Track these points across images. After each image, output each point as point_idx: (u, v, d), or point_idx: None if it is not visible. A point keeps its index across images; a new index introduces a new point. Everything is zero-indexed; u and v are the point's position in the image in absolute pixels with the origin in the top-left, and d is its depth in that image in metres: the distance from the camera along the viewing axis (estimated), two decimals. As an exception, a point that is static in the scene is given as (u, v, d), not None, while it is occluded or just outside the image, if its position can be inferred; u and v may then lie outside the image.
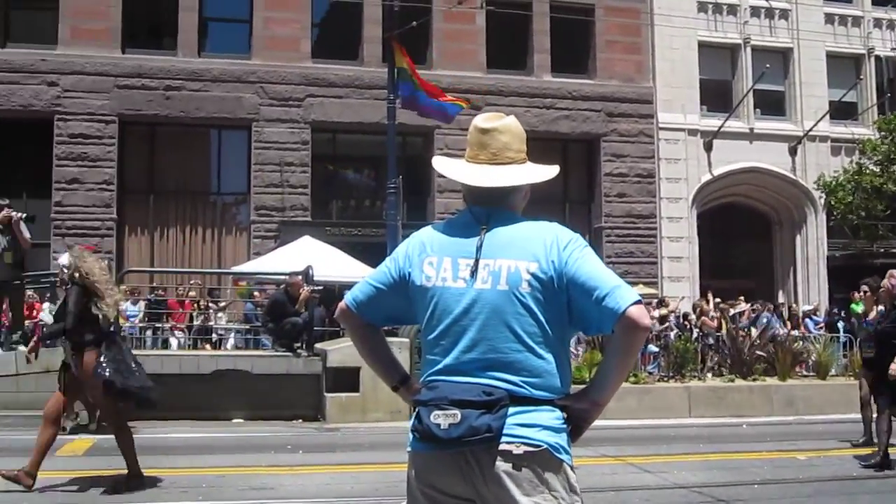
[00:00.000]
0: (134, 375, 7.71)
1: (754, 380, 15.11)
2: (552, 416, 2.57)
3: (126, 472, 7.65)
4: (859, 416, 10.62)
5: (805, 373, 16.52)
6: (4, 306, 14.00)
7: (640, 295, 2.74)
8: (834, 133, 28.14)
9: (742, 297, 22.45)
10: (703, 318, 19.84)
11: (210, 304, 18.89)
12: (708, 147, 27.14)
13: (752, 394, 14.73)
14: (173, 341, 17.33)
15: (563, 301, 2.60)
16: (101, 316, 7.58)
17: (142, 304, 18.28)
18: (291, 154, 24.27)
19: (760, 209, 29.09)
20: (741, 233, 28.44)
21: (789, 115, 28.39)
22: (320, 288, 15.88)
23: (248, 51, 24.67)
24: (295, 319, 14.06)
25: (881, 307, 9.68)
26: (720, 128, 26.54)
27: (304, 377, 13.67)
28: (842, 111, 27.79)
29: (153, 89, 23.62)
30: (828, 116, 27.29)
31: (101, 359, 7.51)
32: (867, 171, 25.74)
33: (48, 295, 17.53)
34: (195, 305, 18.66)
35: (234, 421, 13.17)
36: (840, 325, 21.63)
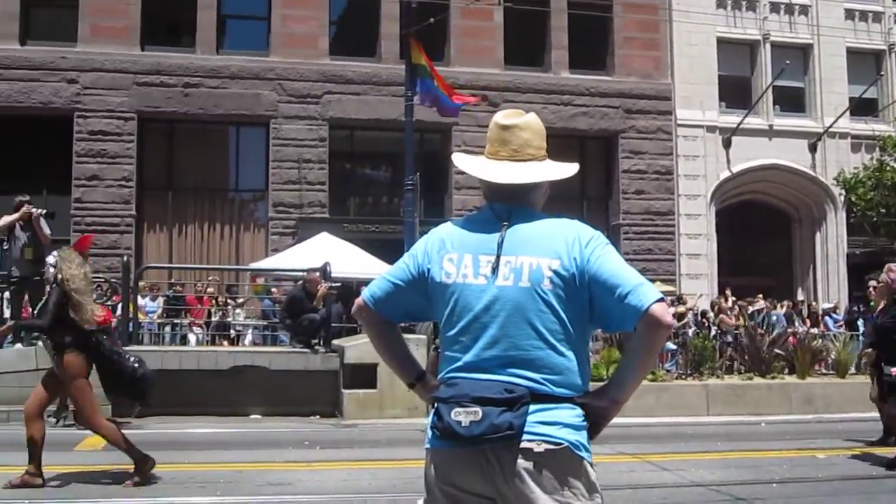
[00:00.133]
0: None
1: (773, 378, 15.03)
2: (573, 414, 2.57)
3: (133, 466, 7.69)
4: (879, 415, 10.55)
5: (824, 371, 16.43)
6: (25, 302, 14.09)
7: (658, 292, 2.73)
8: (854, 129, 27.92)
9: (761, 295, 22.34)
10: (721, 315, 19.77)
11: (228, 301, 18.96)
12: (727, 144, 27.01)
13: (771, 392, 14.66)
14: (192, 337, 17.41)
15: (584, 298, 2.60)
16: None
17: (160, 300, 18.36)
18: (309, 151, 24.32)
19: (780, 206, 28.93)
20: (760, 230, 28.28)
21: (809, 112, 28.20)
22: (338, 284, 15.91)
23: (267, 48, 24.74)
24: (312, 316, 14.10)
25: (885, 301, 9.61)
26: (739, 124, 26.40)
27: (322, 373, 13.71)
28: (862, 107, 27.56)
29: (172, 86, 23.72)
30: (848, 113, 27.10)
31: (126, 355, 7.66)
32: (888, 168, 25.52)
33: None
34: (213, 302, 18.73)
35: (252, 417, 13.23)
36: (860, 322, 21.49)
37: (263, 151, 24.58)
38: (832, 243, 27.83)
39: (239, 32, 25.44)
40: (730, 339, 17.28)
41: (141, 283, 17.07)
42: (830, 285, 27.50)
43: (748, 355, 15.70)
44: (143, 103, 23.61)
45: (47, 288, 7.82)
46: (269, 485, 7.78)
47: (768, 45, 27.79)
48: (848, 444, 10.53)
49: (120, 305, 14.81)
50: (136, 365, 7.92)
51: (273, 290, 19.77)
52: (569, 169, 2.84)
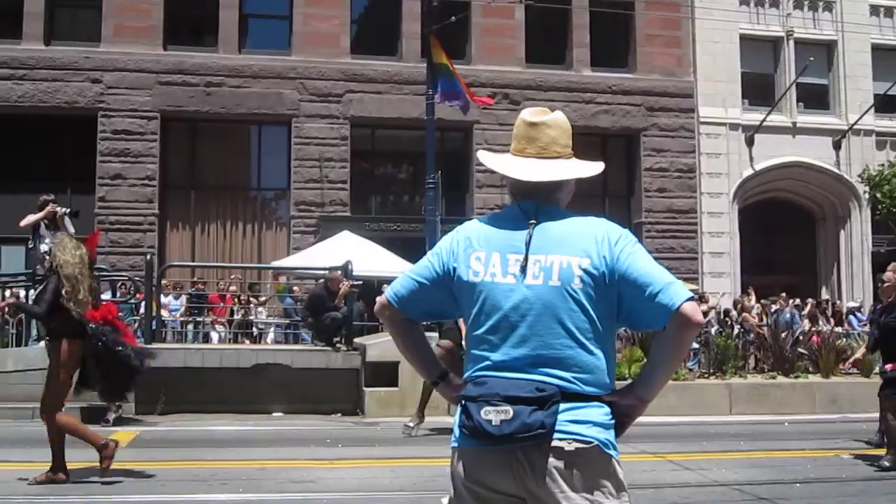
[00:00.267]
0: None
1: (796, 377, 14.91)
2: (601, 412, 2.57)
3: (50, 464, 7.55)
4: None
5: (849, 370, 16.28)
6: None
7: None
8: (879, 126, 27.69)
9: (784, 294, 22.19)
10: (744, 314, 19.65)
11: (250, 299, 19.04)
12: (750, 141, 26.84)
13: (795, 391, 14.54)
14: (214, 335, 17.49)
15: (613, 297, 2.60)
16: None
17: (183, 298, 18.46)
18: (331, 149, 24.38)
19: (803, 204, 28.71)
20: (783, 228, 28.08)
21: (833, 109, 27.97)
22: (359, 283, 15.93)
23: (288, 47, 24.81)
24: (334, 314, 14.12)
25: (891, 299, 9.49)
26: (762, 122, 26.22)
27: (343, 371, 13.74)
28: (887, 104, 27.26)
29: (194, 86, 23.85)
30: (872, 110, 26.86)
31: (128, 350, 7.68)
32: (912, 165, 25.32)
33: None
34: (236, 300, 18.81)
35: (274, 415, 13.27)
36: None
37: (285, 150, 24.66)
38: (856, 241, 27.60)
39: (261, 32, 25.54)
40: (752, 337, 17.16)
41: (164, 282, 17.16)
42: (855, 284, 27.27)
43: (771, 354, 15.58)
44: (165, 103, 23.75)
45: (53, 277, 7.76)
46: (291, 482, 7.81)
47: (792, 42, 27.58)
48: (873, 444, 10.43)
49: (143, 303, 14.91)
50: (140, 361, 7.94)
51: (295, 288, 19.83)
52: (595, 167, 2.84)
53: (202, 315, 17.95)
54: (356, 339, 14.43)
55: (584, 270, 2.57)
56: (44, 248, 7.78)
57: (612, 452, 2.56)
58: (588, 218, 2.70)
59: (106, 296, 16.88)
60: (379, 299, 2.88)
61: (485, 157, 2.91)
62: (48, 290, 7.56)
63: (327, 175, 24.30)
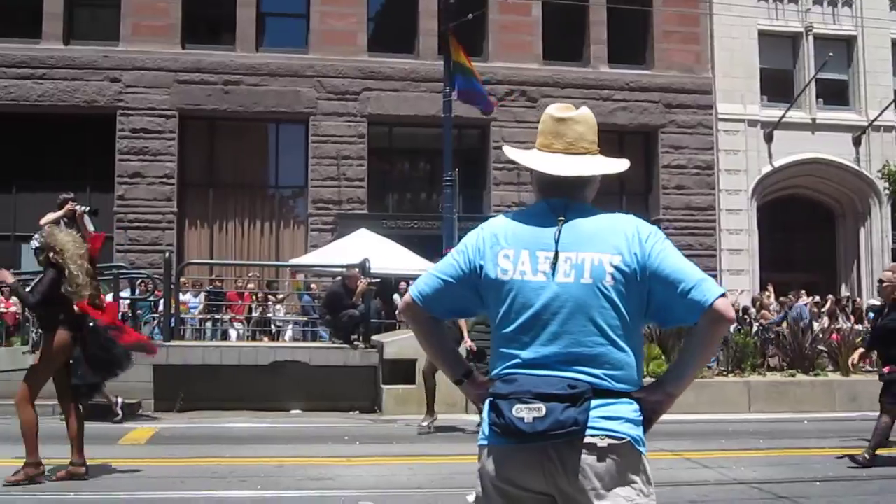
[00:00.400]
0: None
1: (816, 375, 14.83)
2: (631, 409, 2.57)
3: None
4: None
5: (869, 368, 16.15)
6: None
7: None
8: (899, 122, 27.49)
9: (804, 291, 22.06)
10: (763, 311, 19.56)
11: (268, 297, 19.11)
12: (768, 138, 26.68)
13: (814, 389, 14.46)
14: (232, 333, 17.57)
15: (643, 293, 2.60)
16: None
17: (202, 295, 18.55)
18: (348, 147, 24.42)
19: (823, 201, 28.53)
20: (803, 225, 27.93)
21: (853, 105, 27.77)
22: (377, 280, 15.97)
23: (306, 45, 24.86)
24: (352, 312, 14.16)
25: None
26: (781, 118, 26.05)
27: (361, 369, 13.78)
28: (908, 100, 27.10)
29: (212, 84, 23.93)
30: (893, 105, 26.61)
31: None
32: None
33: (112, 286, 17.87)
34: (254, 297, 18.88)
35: (292, 412, 13.32)
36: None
37: (303, 148, 24.72)
38: (877, 238, 27.40)
39: (278, 30, 25.60)
40: (772, 335, 17.06)
41: (182, 279, 17.25)
42: (875, 281, 27.03)
43: (790, 352, 15.50)
44: (184, 101, 23.85)
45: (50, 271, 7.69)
46: (309, 479, 7.84)
47: (811, 38, 27.39)
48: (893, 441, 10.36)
49: (162, 301, 14.99)
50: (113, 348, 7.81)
51: (312, 286, 19.89)
52: (621, 164, 2.85)
53: (220, 313, 18.03)
54: (374, 337, 14.47)
55: (616, 267, 2.57)
56: (34, 243, 7.71)
57: (641, 449, 2.57)
58: (617, 215, 2.70)
59: (125, 293, 17.01)
60: (404, 298, 2.87)
61: (511, 152, 2.91)
62: (44, 283, 7.54)
63: (345, 173, 24.34)
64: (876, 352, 10.00)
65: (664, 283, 2.57)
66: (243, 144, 25.04)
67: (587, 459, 2.47)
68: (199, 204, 24.52)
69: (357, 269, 14.73)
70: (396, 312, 18.52)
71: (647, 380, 2.70)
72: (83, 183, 21.77)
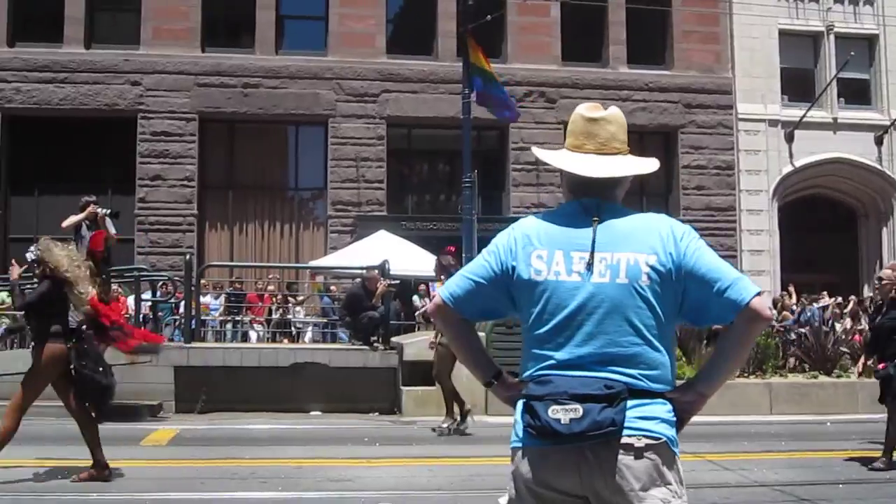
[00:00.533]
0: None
1: (838, 376, 14.71)
2: (665, 409, 2.57)
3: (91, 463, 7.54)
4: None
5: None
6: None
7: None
8: (922, 121, 27.24)
9: (825, 292, 21.90)
10: (784, 312, 19.42)
11: (288, 298, 19.16)
12: (789, 138, 26.50)
13: (837, 391, 14.34)
14: (252, 334, 17.63)
15: (678, 293, 2.60)
16: (71, 309, 7.47)
17: (222, 297, 18.63)
18: (367, 149, 24.46)
19: (845, 201, 28.32)
20: (824, 225, 27.73)
21: (875, 104, 27.54)
22: (396, 282, 15.99)
23: (325, 47, 24.93)
24: (372, 313, 14.18)
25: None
26: (802, 118, 25.87)
27: (381, 370, 13.79)
28: (931, 99, 26.87)
29: (232, 87, 24.04)
30: (915, 104, 26.44)
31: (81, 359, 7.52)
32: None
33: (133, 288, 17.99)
34: (274, 299, 18.94)
35: (312, 413, 13.35)
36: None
37: (322, 150, 24.78)
38: (900, 238, 27.19)
39: (297, 32, 25.67)
40: (793, 336, 16.95)
41: (203, 281, 17.33)
42: (898, 281, 26.79)
43: (812, 353, 15.39)
44: (203, 104, 23.97)
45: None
46: (329, 480, 7.85)
47: (832, 37, 27.19)
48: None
49: (183, 303, 15.07)
50: (105, 377, 7.72)
51: (332, 287, 19.93)
52: (652, 164, 2.86)
53: (241, 314, 18.10)
54: (393, 338, 14.48)
55: (651, 267, 2.57)
56: (30, 256, 7.70)
57: (676, 449, 2.57)
58: (650, 214, 2.70)
59: (146, 295, 17.12)
60: (434, 300, 2.85)
61: (541, 154, 2.90)
62: (35, 292, 7.54)
63: (364, 175, 24.39)
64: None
65: (700, 283, 2.57)
66: (263, 147, 25.13)
67: (624, 460, 2.47)
68: (220, 206, 24.63)
69: (377, 271, 14.75)
70: (416, 314, 18.55)
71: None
72: (104, 186, 21.95)
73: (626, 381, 2.51)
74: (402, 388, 13.26)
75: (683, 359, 13.69)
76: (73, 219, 13.28)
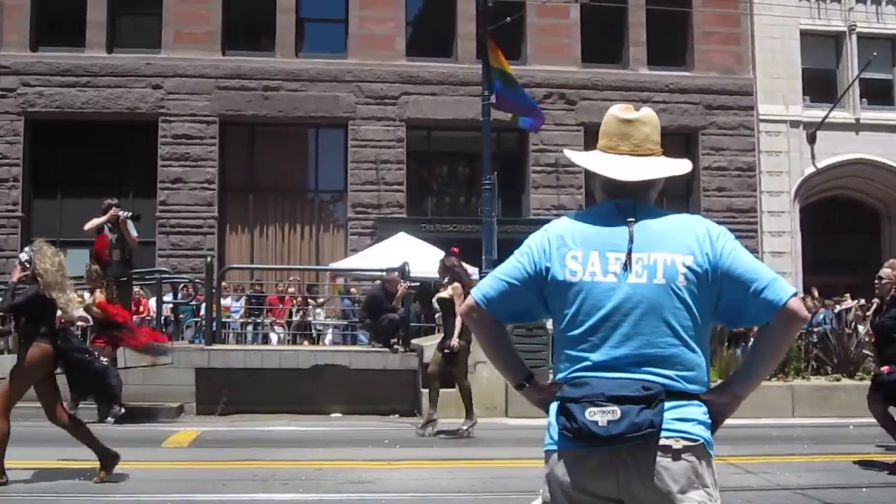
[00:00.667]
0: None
1: (861, 379, 14.58)
2: (702, 411, 2.56)
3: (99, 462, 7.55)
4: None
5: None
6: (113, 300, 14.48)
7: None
8: (946, 122, 27.00)
9: (848, 295, 21.73)
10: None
11: (309, 300, 19.21)
12: (811, 139, 26.32)
13: (860, 393, 14.02)
14: (273, 336, 17.68)
15: (714, 293, 2.59)
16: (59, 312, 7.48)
17: (243, 299, 18.70)
18: (387, 151, 24.51)
19: (867, 202, 28.10)
20: (847, 227, 27.50)
21: (898, 105, 27.35)
22: (417, 284, 15.99)
23: (344, 50, 24.99)
24: (392, 315, 14.19)
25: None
26: (824, 119, 25.70)
27: (401, 372, 13.80)
28: (954, 99, 26.63)
29: (252, 90, 24.15)
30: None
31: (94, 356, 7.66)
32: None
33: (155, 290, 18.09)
34: (294, 301, 19.00)
35: (332, 415, 13.38)
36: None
37: (342, 153, 24.84)
38: (924, 240, 26.96)
39: (317, 35, 25.75)
40: (815, 339, 16.82)
41: (224, 284, 17.40)
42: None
43: (835, 356, 15.28)
44: (224, 107, 24.08)
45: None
46: (350, 482, 7.85)
47: (854, 37, 26.99)
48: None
49: (203, 305, 15.14)
50: (103, 368, 7.83)
51: (352, 289, 19.97)
52: (685, 165, 2.86)
53: (261, 316, 18.16)
54: (413, 340, 14.48)
55: (688, 268, 2.56)
56: (24, 256, 7.73)
57: (712, 451, 2.56)
58: (685, 215, 2.71)
59: (167, 297, 17.23)
60: (466, 301, 2.83)
61: (574, 156, 2.89)
62: (23, 294, 7.53)
63: (383, 177, 24.43)
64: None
65: (736, 283, 2.56)
66: (283, 149, 25.22)
67: (662, 462, 2.46)
68: (240, 209, 24.73)
69: (397, 273, 14.76)
70: (436, 315, 18.53)
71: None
72: (126, 189, 22.12)
73: (663, 382, 2.50)
74: (423, 390, 13.23)
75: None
76: (95, 221, 13.39)
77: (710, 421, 2.57)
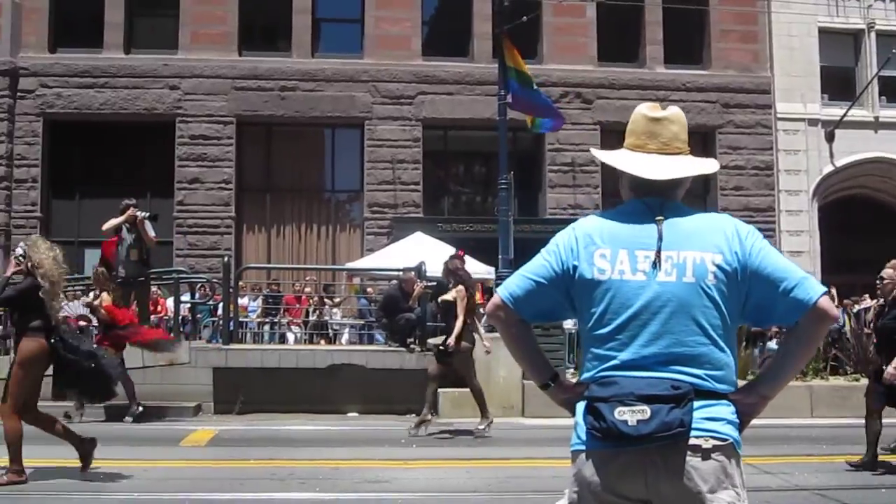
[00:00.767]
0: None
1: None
2: (730, 410, 2.55)
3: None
4: None
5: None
6: (131, 300, 14.56)
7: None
8: (966, 120, 26.76)
9: (867, 295, 21.57)
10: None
11: (325, 300, 19.24)
12: (829, 137, 26.15)
13: (879, 394, 14.10)
14: (290, 336, 17.72)
15: (743, 292, 2.58)
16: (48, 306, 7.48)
17: (260, 299, 18.75)
18: (403, 151, 24.52)
19: (886, 201, 27.88)
20: (866, 226, 27.27)
21: (918, 102, 27.13)
22: (433, 284, 15.97)
23: (360, 50, 25.02)
24: (408, 315, 14.20)
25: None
26: (842, 117, 25.53)
27: (417, 372, 13.75)
28: (974, 96, 26.39)
29: (269, 90, 24.22)
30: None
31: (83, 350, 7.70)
32: None
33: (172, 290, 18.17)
34: (311, 301, 19.03)
35: (349, 415, 13.40)
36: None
37: (358, 152, 24.88)
38: (943, 239, 26.73)
39: (333, 35, 25.79)
40: (834, 338, 16.71)
41: (241, 283, 17.46)
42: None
43: (854, 356, 15.17)
44: (241, 107, 24.16)
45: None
46: (367, 482, 7.86)
47: (873, 34, 26.79)
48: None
49: (221, 305, 15.19)
50: (93, 361, 7.78)
51: (369, 289, 19.99)
52: (712, 164, 2.90)
53: (278, 316, 18.21)
54: (430, 340, 14.45)
55: (718, 266, 2.55)
56: (18, 251, 7.75)
57: (740, 451, 2.55)
58: (713, 213, 2.70)
59: (185, 297, 17.30)
60: (493, 300, 2.81)
61: (601, 155, 2.88)
62: (17, 287, 7.56)
63: (400, 177, 24.45)
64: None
65: (765, 282, 2.56)
66: (300, 149, 25.28)
67: (692, 461, 2.44)
68: (257, 209, 24.81)
69: (413, 273, 14.76)
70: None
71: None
72: (143, 189, 22.21)
73: (692, 381, 2.48)
74: (439, 389, 13.24)
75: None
76: (113, 221, 13.47)
77: (738, 421, 2.55)
